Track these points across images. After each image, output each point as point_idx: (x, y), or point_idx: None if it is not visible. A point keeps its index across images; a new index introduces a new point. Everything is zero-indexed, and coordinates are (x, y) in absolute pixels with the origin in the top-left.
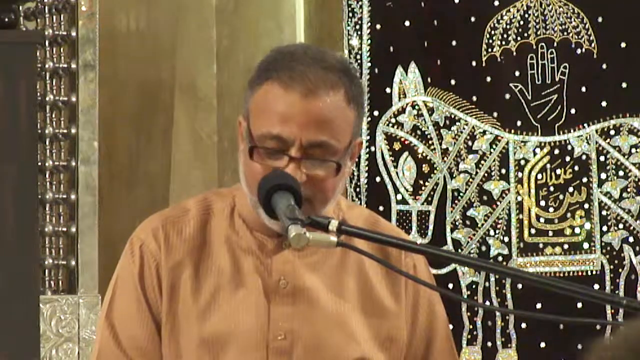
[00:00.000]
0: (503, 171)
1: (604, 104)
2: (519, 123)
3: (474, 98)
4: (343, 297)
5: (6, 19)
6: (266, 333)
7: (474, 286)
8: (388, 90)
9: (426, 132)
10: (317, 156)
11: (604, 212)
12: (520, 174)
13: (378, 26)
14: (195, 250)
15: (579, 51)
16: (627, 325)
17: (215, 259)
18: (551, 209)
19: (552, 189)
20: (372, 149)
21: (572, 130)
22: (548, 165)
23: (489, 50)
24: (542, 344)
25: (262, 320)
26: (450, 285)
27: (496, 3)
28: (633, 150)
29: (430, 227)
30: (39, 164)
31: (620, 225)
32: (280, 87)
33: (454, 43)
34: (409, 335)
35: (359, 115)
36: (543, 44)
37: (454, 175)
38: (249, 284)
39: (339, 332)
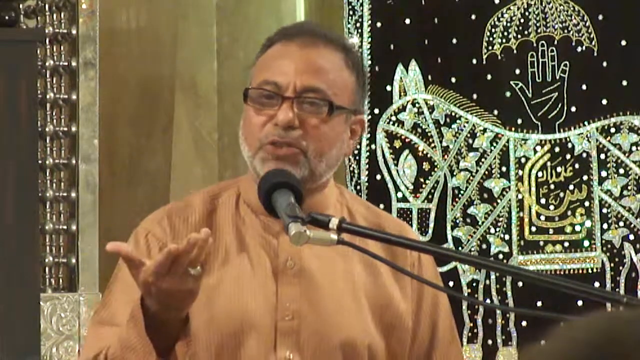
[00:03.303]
0: (503, 169)
1: (604, 101)
2: (519, 121)
3: (475, 96)
4: (349, 280)
5: (7, 17)
6: (274, 313)
7: (474, 284)
8: (388, 88)
9: (427, 130)
10: (309, 98)
11: (604, 210)
12: (520, 172)
13: (378, 24)
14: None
15: (579, 49)
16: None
17: (222, 243)
18: (552, 207)
19: (552, 186)
20: (373, 146)
21: (572, 128)
22: (548, 163)
23: (490, 48)
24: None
25: (270, 300)
26: (451, 283)
27: (497, 1)
28: (633, 148)
29: (431, 225)
30: (40, 161)
31: (621, 223)
32: (281, 44)
33: (454, 41)
34: (414, 323)
35: (359, 85)
36: (543, 41)
37: (455, 173)
38: (256, 266)
39: (344, 314)
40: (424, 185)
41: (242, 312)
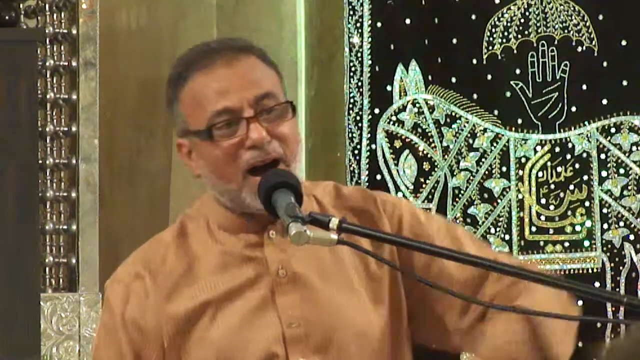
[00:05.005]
0: (504, 169)
1: (604, 101)
2: (519, 121)
3: (475, 96)
4: (341, 272)
5: (7, 17)
6: (279, 325)
7: None
8: (389, 88)
9: (427, 130)
10: (269, 106)
11: (604, 210)
12: (521, 172)
13: (379, 24)
14: (184, 273)
15: (579, 49)
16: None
17: (208, 273)
18: (552, 207)
19: (552, 186)
20: (373, 146)
21: (572, 128)
22: (549, 163)
23: (490, 48)
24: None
25: (272, 314)
26: None
27: (497, 1)
28: (634, 148)
29: None
30: (40, 161)
31: (621, 223)
32: (202, 73)
33: (454, 41)
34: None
35: (280, 76)
36: (544, 41)
37: (455, 173)
38: (248, 284)
39: (346, 309)
40: (424, 185)
41: (248, 336)
